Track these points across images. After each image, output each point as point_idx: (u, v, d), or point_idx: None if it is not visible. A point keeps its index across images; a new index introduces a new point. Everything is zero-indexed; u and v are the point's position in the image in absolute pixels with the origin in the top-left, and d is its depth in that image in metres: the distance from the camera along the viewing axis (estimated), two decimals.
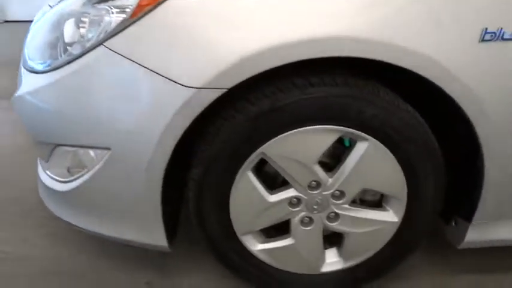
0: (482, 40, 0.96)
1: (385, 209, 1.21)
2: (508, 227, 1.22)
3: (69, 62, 1.05)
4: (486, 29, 0.95)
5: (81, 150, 1.15)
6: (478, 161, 1.10)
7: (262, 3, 0.95)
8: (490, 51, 0.96)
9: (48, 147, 1.21)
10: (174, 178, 1.18)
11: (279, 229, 1.26)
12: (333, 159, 1.16)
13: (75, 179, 1.19)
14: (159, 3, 0.97)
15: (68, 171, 1.25)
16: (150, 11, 0.98)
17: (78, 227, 1.28)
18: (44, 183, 1.31)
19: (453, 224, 1.28)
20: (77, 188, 1.18)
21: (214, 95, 0.97)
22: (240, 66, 0.94)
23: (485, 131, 1.03)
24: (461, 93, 0.99)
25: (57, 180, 1.25)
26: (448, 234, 1.32)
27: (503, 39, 0.97)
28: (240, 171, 1.10)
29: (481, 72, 0.98)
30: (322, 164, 1.13)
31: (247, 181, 1.12)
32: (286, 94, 1.02)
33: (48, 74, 1.09)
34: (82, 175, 1.17)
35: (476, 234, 1.22)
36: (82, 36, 1.06)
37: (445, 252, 1.50)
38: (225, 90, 0.97)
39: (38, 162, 1.40)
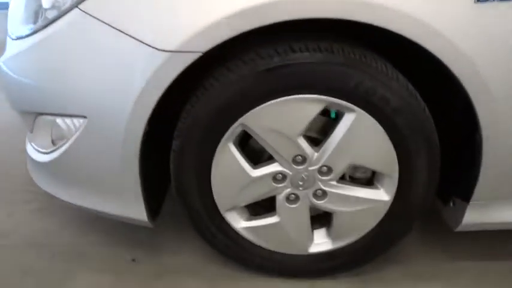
0: (478, 0, 0.88)
1: (376, 187, 1.14)
2: (507, 208, 1.13)
3: (45, 27, 1.02)
4: None
5: (60, 120, 1.13)
6: (477, 135, 1.02)
7: None
8: (486, 12, 0.89)
9: (30, 117, 1.19)
10: (160, 152, 1.15)
11: (266, 207, 1.22)
12: (321, 134, 1.11)
13: (55, 150, 1.16)
14: None
15: (53, 143, 1.23)
16: None
17: (61, 199, 1.26)
18: (29, 156, 1.29)
19: (451, 204, 1.21)
20: (58, 158, 1.15)
21: (189, 59, 0.93)
22: (214, 28, 0.89)
23: (481, 99, 0.96)
24: (456, 59, 0.92)
25: (40, 152, 1.23)
26: (446, 216, 1.24)
27: None
28: (221, 143, 1.05)
29: (477, 35, 0.90)
30: (309, 139, 1.08)
31: (228, 153, 1.07)
32: (267, 61, 0.96)
33: (25, 39, 1.06)
34: (62, 145, 1.14)
35: (475, 216, 1.15)
36: (58, 0, 1.02)
37: (443, 238, 1.42)
38: (200, 54, 0.92)
39: (27, 136, 1.38)
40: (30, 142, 1.29)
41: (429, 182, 1.10)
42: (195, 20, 0.91)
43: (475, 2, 0.88)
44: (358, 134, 1.03)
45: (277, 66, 0.96)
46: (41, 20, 1.04)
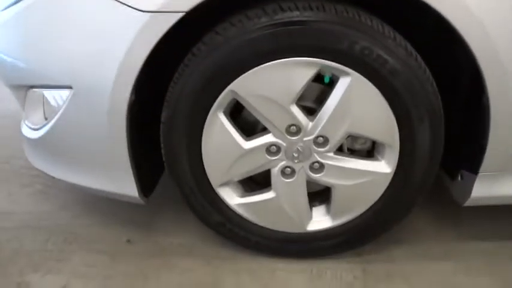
0: None
1: (376, 159, 1.08)
2: None
3: None
4: None
5: (49, 94, 1.10)
6: (484, 98, 0.95)
7: None
8: None
9: (21, 92, 1.17)
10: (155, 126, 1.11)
11: (262, 184, 1.17)
12: (317, 103, 1.05)
13: (45, 125, 1.14)
14: None
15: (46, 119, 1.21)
16: None
17: (53, 176, 1.24)
18: (23, 135, 1.27)
19: (459, 179, 1.13)
20: (47, 133, 1.13)
21: (171, 19, 0.88)
22: None
23: (487, 59, 0.88)
24: (460, 14, 0.85)
25: (31, 129, 1.21)
26: (454, 191, 1.17)
27: None
28: (211, 112, 1.01)
29: None
30: (304, 108, 1.02)
31: (219, 124, 1.02)
32: (254, 21, 0.91)
33: (5, 10, 1.04)
34: (50, 120, 1.11)
35: (484, 189, 1.07)
36: None
37: (454, 217, 1.35)
38: (183, 13, 0.88)
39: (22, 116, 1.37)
40: (24, 121, 1.27)
41: (433, 152, 1.03)
42: None
43: None
44: (354, 99, 0.97)
45: (265, 27, 0.91)
46: None
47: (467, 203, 1.11)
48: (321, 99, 1.02)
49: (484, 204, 1.13)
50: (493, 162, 1.03)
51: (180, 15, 0.88)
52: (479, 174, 1.05)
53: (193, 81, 0.98)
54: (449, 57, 1.01)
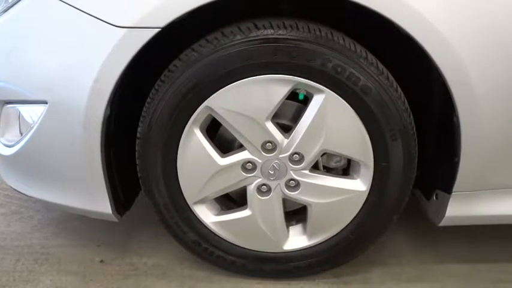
0: None
1: (351, 177, 1.08)
2: (491, 200, 1.06)
3: (6, 11, 1.01)
4: None
5: (25, 110, 1.09)
6: (454, 118, 0.97)
7: None
8: None
9: None
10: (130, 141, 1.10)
11: (238, 203, 1.16)
12: (292, 120, 1.06)
13: (19, 141, 1.12)
14: None
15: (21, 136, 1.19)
16: None
17: (27, 194, 1.21)
18: None
19: (434, 198, 1.14)
20: (21, 150, 1.11)
21: (147, 35, 0.90)
22: (173, 1, 0.87)
23: (456, 78, 0.91)
24: (427, 35, 0.88)
25: (6, 145, 1.19)
26: (429, 211, 1.17)
27: None
28: (187, 128, 1.01)
29: (450, 12, 0.87)
30: (280, 126, 1.03)
31: (194, 140, 1.02)
32: (230, 39, 0.93)
33: None
34: (25, 136, 1.10)
35: (458, 209, 1.08)
36: None
37: (431, 239, 1.35)
38: (158, 29, 0.89)
39: None
40: None
41: (407, 170, 1.04)
42: None
43: None
44: (328, 116, 0.98)
45: (240, 44, 0.92)
46: (3, 3, 1.03)
47: (443, 223, 1.11)
48: (296, 117, 1.04)
49: (459, 224, 1.13)
50: (466, 182, 1.04)
51: (156, 31, 0.89)
52: (453, 193, 1.05)
53: (169, 97, 0.99)
54: (420, 77, 1.03)
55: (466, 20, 0.89)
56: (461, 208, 1.08)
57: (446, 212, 1.08)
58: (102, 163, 1.04)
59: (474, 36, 0.90)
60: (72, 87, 0.96)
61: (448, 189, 1.07)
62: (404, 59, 1.00)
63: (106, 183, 1.07)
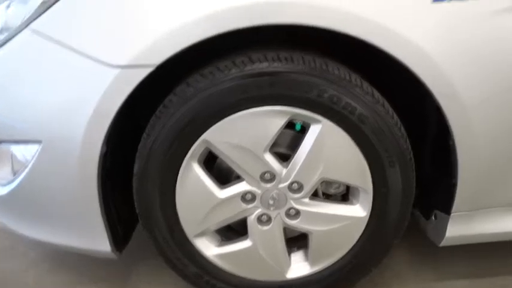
0: (435, 0, 0.87)
1: (351, 203, 1.08)
2: (490, 218, 1.07)
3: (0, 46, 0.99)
4: None
5: (18, 150, 1.07)
6: (450, 141, 0.98)
7: None
8: (445, 12, 0.87)
9: None
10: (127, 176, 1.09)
11: (238, 232, 1.15)
12: (290, 149, 1.05)
13: (13, 180, 1.10)
14: None
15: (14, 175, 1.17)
16: None
17: (22, 234, 1.18)
18: None
19: (433, 218, 1.15)
20: (15, 189, 1.09)
21: (142, 73, 0.89)
22: (167, 39, 0.86)
23: (449, 102, 0.92)
24: (418, 60, 0.89)
25: None
26: (429, 231, 1.17)
27: None
28: (184, 162, 1.00)
29: (438, 36, 0.88)
30: (278, 155, 1.03)
31: (193, 174, 1.02)
32: (225, 73, 0.93)
33: None
34: (19, 175, 1.08)
35: (458, 229, 1.08)
36: (8, 22, 1.00)
37: (433, 257, 1.35)
38: (153, 68, 0.89)
39: None
40: None
41: (406, 194, 1.05)
42: (143, 33, 0.88)
43: (432, 2, 0.87)
44: (326, 145, 0.98)
45: (235, 78, 0.92)
46: None
47: (443, 243, 1.12)
48: (294, 145, 1.03)
49: (460, 243, 1.13)
50: (465, 203, 1.04)
51: (150, 69, 0.89)
52: (452, 214, 1.06)
53: (166, 132, 0.98)
54: (415, 102, 1.04)
55: (458, 45, 0.90)
56: (461, 228, 1.09)
57: (446, 233, 1.09)
58: (100, 200, 1.02)
59: (467, 62, 0.91)
60: (67, 127, 0.95)
61: (447, 210, 1.08)
62: (399, 85, 1.01)
63: (104, 220, 1.05)
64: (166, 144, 0.99)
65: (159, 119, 0.99)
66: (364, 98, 0.95)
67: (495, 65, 0.92)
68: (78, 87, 0.93)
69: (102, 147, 0.97)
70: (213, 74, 0.94)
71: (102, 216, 1.04)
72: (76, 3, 0.91)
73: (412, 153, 1.02)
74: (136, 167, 1.03)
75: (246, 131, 0.97)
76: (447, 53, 0.90)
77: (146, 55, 0.87)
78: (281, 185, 1.03)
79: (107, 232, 1.07)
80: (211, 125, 0.97)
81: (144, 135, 1.02)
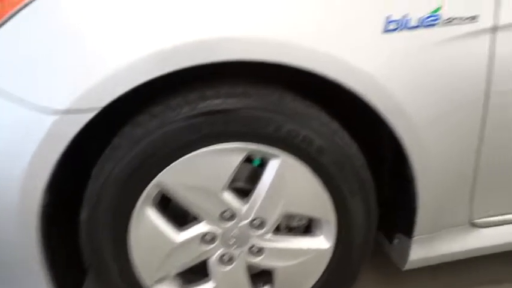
0: (386, 31, 0.86)
1: (314, 235, 1.05)
2: (450, 239, 1.09)
3: None
4: (389, 16, 0.86)
5: None
6: (408, 166, 0.98)
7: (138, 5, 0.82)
8: (396, 42, 0.86)
9: None
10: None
11: (200, 273, 1.08)
12: (250, 183, 1.01)
13: None
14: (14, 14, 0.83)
15: None
16: (5, 22, 0.83)
17: None
18: None
19: (396, 242, 1.14)
20: None
21: (83, 118, 0.82)
22: (107, 82, 0.79)
23: (404, 129, 0.92)
24: (371, 90, 0.88)
25: None
26: (393, 254, 1.17)
27: (408, 28, 0.87)
28: (137, 207, 0.93)
29: (390, 66, 0.87)
30: (237, 190, 0.98)
31: (146, 219, 0.95)
32: (177, 112, 0.87)
33: None
34: None
35: (421, 251, 1.09)
36: None
37: (396, 276, 1.35)
38: (95, 111, 0.81)
39: None
40: None
41: (369, 222, 1.03)
42: (83, 76, 0.81)
43: (382, 32, 0.86)
44: (286, 179, 0.95)
45: (188, 117, 0.87)
46: None
47: (407, 267, 1.11)
48: (254, 179, 0.99)
49: (423, 265, 1.14)
50: (426, 225, 1.05)
51: (93, 113, 0.81)
52: (414, 238, 1.06)
53: (115, 176, 0.90)
54: (372, 129, 1.04)
55: (408, 72, 0.90)
56: (424, 250, 1.09)
57: (410, 256, 1.09)
58: (41, 250, 0.92)
59: (417, 88, 0.91)
60: (3, 177, 0.85)
61: (409, 233, 1.08)
62: (355, 114, 1.00)
63: (46, 271, 0.95)
64: (116, 188, 0.91)
65: (107, 161, 0.91)
66: (322, 129, 0.92)
67: (442, 89, 0.93)
68: (15, 134, 0.83)
69: (44, 196, 0.88)
70: (164, 113, 0.88)
71: (45, 267, 0.94)
72: (9, 43, 0.82)
73: (372, 181, 1.01)
74: (83, 214, 0.95)
75: (202, 170, 0.92)
76: (398, 81, 0.89)
77: (87, 99, 0.80)
78: (242, 223, 0.98)
79: (52, 284, 0.97)
80: (164, 167, 0.90)
81: (91, 179, 0.94)
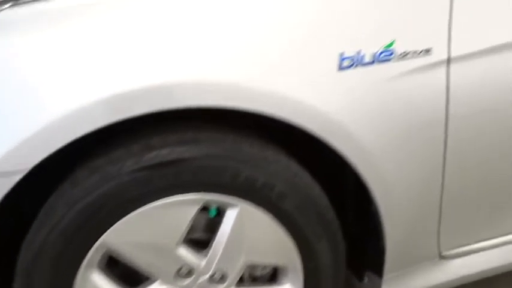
0: (341, 68, 0.82)
1: (281, 283, 0.98)
2: (421, 273, 1.05)
3: None
4: (342, 53, 0.82)
5: None
6: (372, 205, 0.94)
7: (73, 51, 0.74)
8: (352, 79, 0.83)
9: None
10: None
11: None
12: (209, 232, 0.93)
13: None
14: None
15: None
16: None
17: None
18: None
19: (365, 280, 1.09)
20: None
21: (9, 182, 0.71)
22: (34, 140, 0.70)
23: (365, 166, 0.88)
24: (327, 128, 0.83)
25: None
26: None
27: (363, 64, 0.84)
28: (80, 272, 0.82)
29: (346, 103, 0.83)
30: (195, 242, 0.89)
31: (91, 284, 0.84)
32: (119, 166, 0.79)
33: None
34: None
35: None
36: None
37: None
38: (23, 173, 0.71)
39: None
40: None
41: (337, 263, 0.98)
42: (15, 130, 0.71)
43: (338, 70, 0.82)
44: (247, 228, 0.87)
45: (132, 171, 0.78)
46: None
47: None
48: (212, 228, 0.91)
49: None
50: (395, 263, 1.00)
51: (21, 175, 0.71)
52: (384, 276, 1.02)
53: (53, 240, 0.80)
54: (334, 169, 0.99)
55: (365, 108, 0.87)
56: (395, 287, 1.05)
57: None
58: None
59: (376, 123, 0.88)
60: None
61: (378, 272, 1.03)
62: (316, 155, 0.95)
63: None
64: (55, 253, 0.80)
65: (43, 224, 0.80)
66: (282, 173, 0.86)
67: (402, 123, 0.90)
68: None
69: None
70: (105, 167, 0.79)
71: None
72: None
73: (337, 221, 0.96)
74: (17, 284, 0.83)
75: (152, 227, 0.83)
76: (355, 118, 0.85)
77: (12, 160, 0.70)
78: (201, 279, 0.90)
79: None
80: (109, 226, 0.81)
81: (25, 244, 0.83)
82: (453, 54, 0.88)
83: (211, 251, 0.88)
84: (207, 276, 0.90)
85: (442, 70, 0.89)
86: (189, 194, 0.82)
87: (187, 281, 0.89)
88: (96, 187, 0.78)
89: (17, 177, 0.71)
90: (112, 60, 0.75)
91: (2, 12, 0.78)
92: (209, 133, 0.83)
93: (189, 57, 0.76)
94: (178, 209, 0.83)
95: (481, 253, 1.09)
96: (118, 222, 0.81)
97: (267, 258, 0.93)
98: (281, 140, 0.93)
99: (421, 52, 0.86)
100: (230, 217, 0.87)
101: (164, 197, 0.81)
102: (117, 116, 0.74)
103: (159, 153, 0.79)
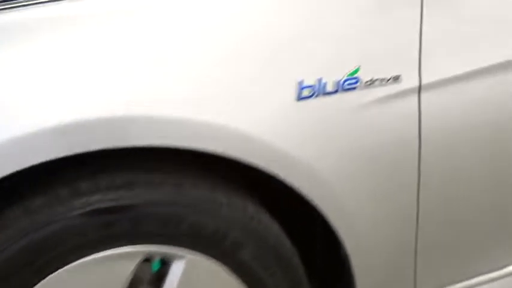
0: (300, 98, 0.73)
1: None
2: None
3: None
4: (301, 82, 0.73)
5: None
6: (341, 250, 0.84)
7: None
8: (311, 110, 0.73)
9: None
10: None
11: None
12: (156, 281, 0.81)
13: None
14: None
15: None
16: None
17: None
18: None
19: None
20: None
21: None
22: None
23: (329, 206, 0.78)
24: (285, 166, 0.73)
25: None
26: None
27: (326, 93, 0.75)
28: None
29: (306, 139, 0.74)
30: None
31: None
32: (40, 218, 0.66)
33: None
34: None
35: None
36: None
37: None
38: None
39: None
40: None
41: None
42: None
43: (296, 100, 0.73)
44: (196, 283, 0.76)
45: (58, 220, 0.67)
46: None
47: None
48: (159, 283, 0.80)
49: None
50: None
51: None
52: None
53: None
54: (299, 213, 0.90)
55: (326, 140, 0.78)
56: None
57: None
58: None
59: (338, 156, 0.79)
60: None
61: None
62: (280, 197, 0.85)
63: None
64: None
65: None
66: (236, 218, 0.76)
67: (369, 157, 0.81)
68: None
69: None
70: (18, 220, 0.66)
71: None
72: None
73: (302, 268, 0.85)
74: None
75: (86, 284, 0.71)
76: (318, 153, 0.76)
77: None
78: None
79: None
80: (35, 283, 0.69)
81: None
82: (424, 81, 0.80)
83: None
84: None
85: (413, 98, 0.81)
86: (127, 247, 0.71)
87: None
88: (14, 241, 0.66)
89: None
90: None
91: None
92: (146, 175, 0.72)
93: (117, 90, 0.65)
94: (116, 263, 0.71)
95: None
96: (43, 280, 0.69)
97: None
98: (242, 179, 0.83)
99: (389, 80, 0.78)
100: (177, 269, 0.75)
101: (98, 251, 0.70)
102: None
103: (89, 199, 0.68)
